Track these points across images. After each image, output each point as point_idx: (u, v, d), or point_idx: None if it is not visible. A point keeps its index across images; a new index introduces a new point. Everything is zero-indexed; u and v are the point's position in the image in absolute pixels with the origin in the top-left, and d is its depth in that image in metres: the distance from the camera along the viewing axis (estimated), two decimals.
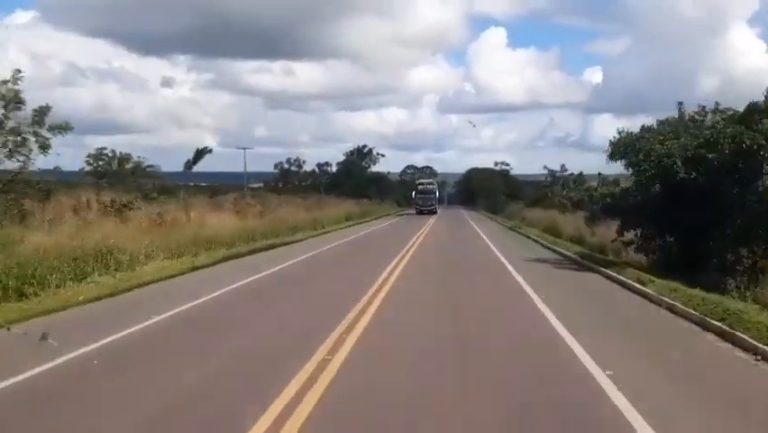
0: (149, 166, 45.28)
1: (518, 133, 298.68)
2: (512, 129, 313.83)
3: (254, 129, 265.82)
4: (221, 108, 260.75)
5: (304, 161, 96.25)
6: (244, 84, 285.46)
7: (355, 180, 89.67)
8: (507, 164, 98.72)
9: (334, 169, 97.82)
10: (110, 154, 42.32)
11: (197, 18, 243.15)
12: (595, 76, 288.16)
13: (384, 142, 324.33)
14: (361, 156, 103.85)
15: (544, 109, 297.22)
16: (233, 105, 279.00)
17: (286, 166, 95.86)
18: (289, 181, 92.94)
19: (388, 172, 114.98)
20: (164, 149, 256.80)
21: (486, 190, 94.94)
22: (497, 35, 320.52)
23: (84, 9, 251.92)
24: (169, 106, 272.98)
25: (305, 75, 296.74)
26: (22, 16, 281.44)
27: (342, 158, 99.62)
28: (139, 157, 43.10)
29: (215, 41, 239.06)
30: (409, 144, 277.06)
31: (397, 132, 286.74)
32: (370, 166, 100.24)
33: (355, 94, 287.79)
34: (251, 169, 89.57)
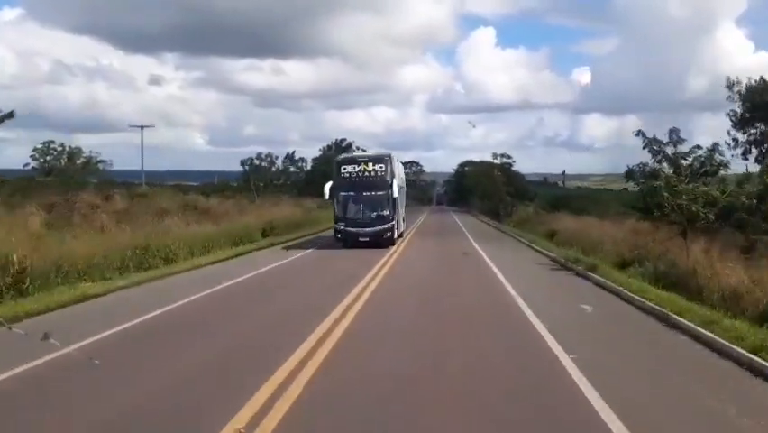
0: (100, 161, 38.39)
1: (508, 132, 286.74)
2: (501, 129, 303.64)
3: (244, 128, 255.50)
4: (210, 107, 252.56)
5: (276, 157, 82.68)
6: (233, 82, 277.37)
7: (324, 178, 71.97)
8: (509, 156, 79.32)
9: (310, 165, 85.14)
10: (58, 148, 30.06)
11: (185, 15, 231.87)
12: (584, 76, 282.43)
13: (374, 141, 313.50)
14: (339, 150, 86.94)
15: (533, 109, 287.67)
16: (223, 104, 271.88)
17: (256, 162, 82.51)
18: (262, 179, 76.99)
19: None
20: (153, 147, 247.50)
21: (483, 188, 75.84)
22: (487, 35, 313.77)
23: (70, 6, 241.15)
24: (158, 105, 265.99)
25: (295, 73, 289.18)
26: (9, 14, 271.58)
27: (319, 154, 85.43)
28: (91, 152, 35.34)
29: (204, 38, 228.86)
30: (399, 143, 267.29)
31: (387, 130, 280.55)
32: None
33: (345, 93, 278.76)
34: (237, 168, 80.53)
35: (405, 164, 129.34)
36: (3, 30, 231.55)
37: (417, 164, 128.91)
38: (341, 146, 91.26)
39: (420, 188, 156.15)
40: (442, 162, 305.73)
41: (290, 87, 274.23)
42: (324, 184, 25.71)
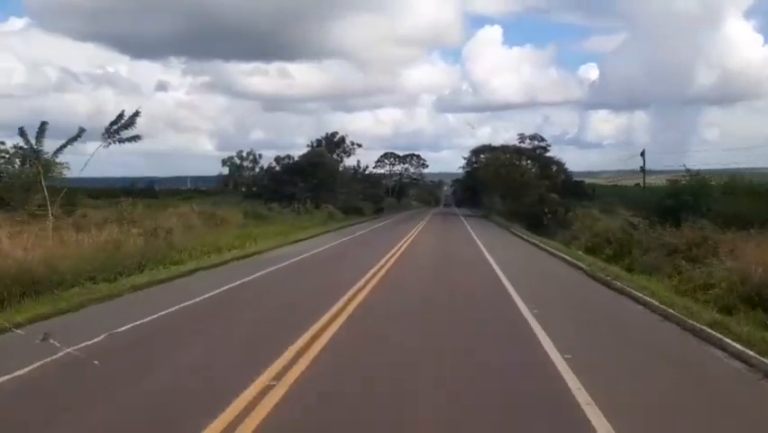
0: (58, 163, 23.67)
1: (515, 131, 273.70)
2: (509, 127, 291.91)
3: (251, 132, 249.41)
4: (217, 111, 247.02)
5: (260, 156, 71.10)
6: (240, 86, 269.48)
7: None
8: (542, 139, 56.59)
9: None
10: (10, 151, 22.33)
11: (190, 20, 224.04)
12: (591, 72, 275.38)
13: (381, 143, 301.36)
14: (330, 146, 70.31)
15: (540, 107, 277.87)
16: (229, 108, 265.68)
17: (237, 162, 74.00)
18: (242, 182, 69.93)
19: (366, 166, 79.31)
20: (161, 153, 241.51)
21: (506, 183, 53.26)
22: (493, 33, 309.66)
23: (75, 13, 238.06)
24: (165, 111, 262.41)
25: (301, 76, 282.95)
26: (16, 23, 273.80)
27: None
28: (47, 154, 21.53)
29: (209, 43, 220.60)
30: (407, 144, 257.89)
31: (394, 132, 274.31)
32: (342, 159, 69.90)
33: (352, 94, 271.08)
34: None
35: (402, 157, 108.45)
36: (10, 40, 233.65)
37: (419, 158, 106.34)
38: (332, 141, 71.75)
39: (425, 188, 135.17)
40: (449, 162, 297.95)
41: (297, 89, 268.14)
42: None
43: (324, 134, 71.32)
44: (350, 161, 70.21)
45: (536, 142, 55.80)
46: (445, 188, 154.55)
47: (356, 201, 56.50)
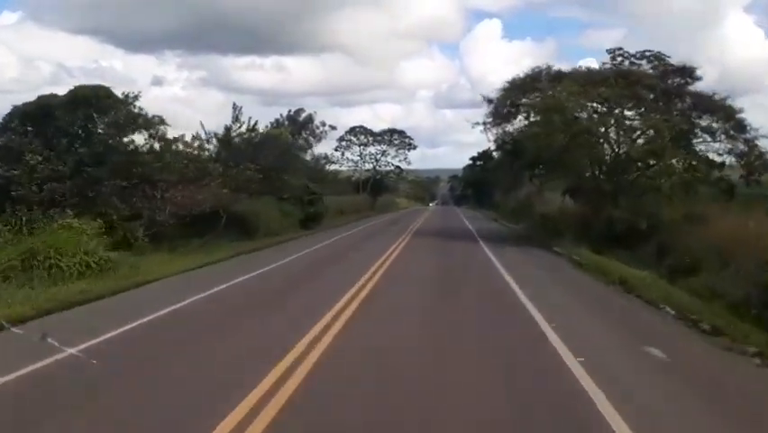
0: None
1: None
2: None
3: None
4: (213, 106, 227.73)
5: (212, 136, 32.71)
6: (236, 81, 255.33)
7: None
8: (665, 57, 24.66)
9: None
10: None
11: (185, 14, 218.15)
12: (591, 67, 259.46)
13: None
14: (295, 125, 47.61)
15: None
16: (226, 103, 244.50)
17: (179, 148, 34.62)
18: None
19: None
20: None
21: (596, 158, 21.49)
22: (492, 27, 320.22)
23: (69, 7, 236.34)
24: (161, 105, 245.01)
25: (297, 70, 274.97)
26: (10, 17, 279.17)
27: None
28: None
29: (205, 36, 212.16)
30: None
31: (391, 127, 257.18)
32: (312, 145, 49.65)
33: (349, 89, 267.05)
34: None
35: (377, 135, 75.91)
36: (2, 34, 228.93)
37: (403, 135, 74.08)
38: (296, 120, 49.35)
39: (418, 183, 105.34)
40: (447, 159, 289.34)
41: (294, 84, 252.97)
42: None
43: (288, 111, 48.41)
44: (321, 149, 51.17)
45: (658, 63, 23.50)
46: (442, 184, 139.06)
47: (244, 203, 24.03)
